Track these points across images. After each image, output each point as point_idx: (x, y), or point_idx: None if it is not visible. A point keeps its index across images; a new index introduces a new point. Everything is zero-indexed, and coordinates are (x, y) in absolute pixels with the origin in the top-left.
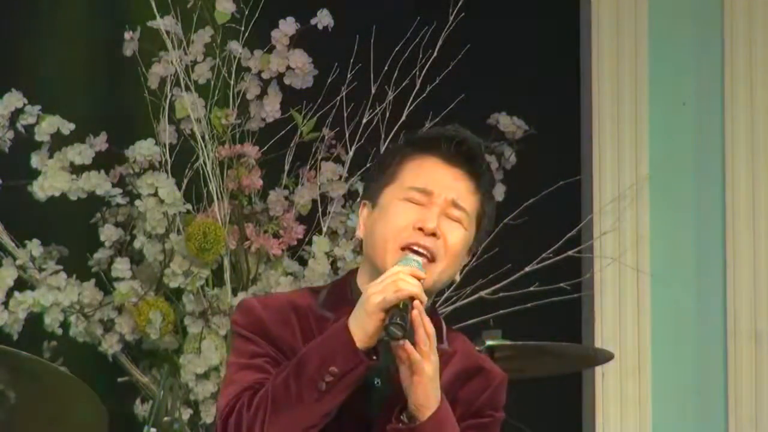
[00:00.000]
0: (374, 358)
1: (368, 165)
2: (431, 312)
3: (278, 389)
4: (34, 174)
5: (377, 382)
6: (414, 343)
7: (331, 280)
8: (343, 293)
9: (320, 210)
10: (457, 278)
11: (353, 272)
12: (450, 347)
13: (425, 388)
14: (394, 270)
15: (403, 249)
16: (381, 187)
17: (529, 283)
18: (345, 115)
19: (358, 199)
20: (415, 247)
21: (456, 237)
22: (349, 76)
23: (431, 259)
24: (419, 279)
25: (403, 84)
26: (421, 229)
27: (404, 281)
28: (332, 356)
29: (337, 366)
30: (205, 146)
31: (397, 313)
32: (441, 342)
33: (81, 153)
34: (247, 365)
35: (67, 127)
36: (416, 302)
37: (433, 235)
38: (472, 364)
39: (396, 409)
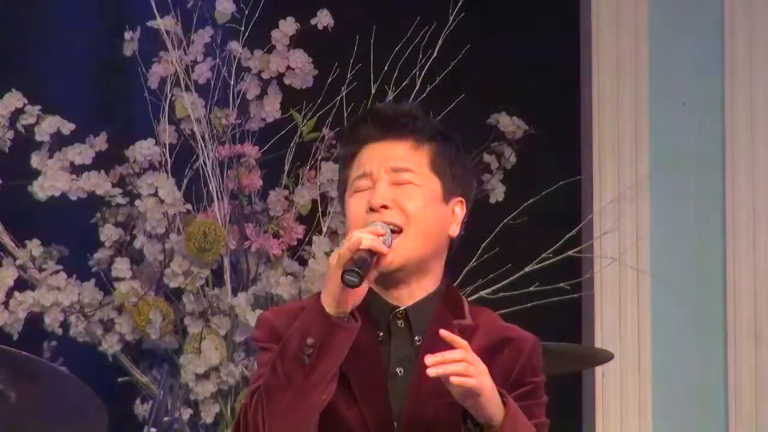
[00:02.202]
0: (356, 321)
1: None
2: (446, 290)
3: (269, 377)
4: (34, 174)
5: (400, 371)
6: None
7: None
8: None
9: (320, 210)
10: (454, 234)
11: None
12: (473, 322)
13: (490, 400)
14: (354, 232)
15: None
16: (342, 196)
17: (529, 283)
18: (345, 115)
19: None
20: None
21: (412, 197)
22: (349, 76)
23: (398, 231)
24: (379, 235)
25: (403, 84)
26: (371, 209)
27: (359, 237)
28: (308, 328)
29: (313, 336)
30: (205, 146)
31: (352, 262)
32: (463, 317)
33: (81, 153)
34: (262, 375)
35: (67, 127)
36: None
37: (384, 207)
38: (497, 336)
39: (459, 417)
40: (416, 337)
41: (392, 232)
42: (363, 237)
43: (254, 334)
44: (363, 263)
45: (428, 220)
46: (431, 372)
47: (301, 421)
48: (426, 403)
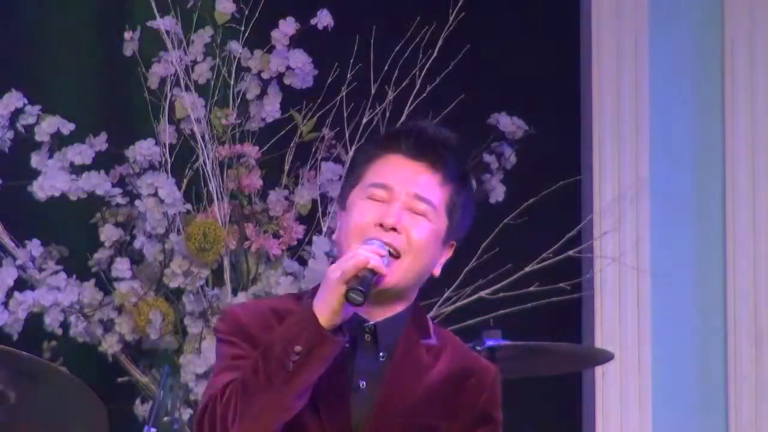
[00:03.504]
0: (343, 335)
1: None
2: (414, 310)
3: (247, 376)
4: (34, 174)
5: (362, 385)
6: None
7: None
8: None
9: (320, 210)
10: (437, 273)
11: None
12: (438, 343)
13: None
14: (356, 248)
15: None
16: (348, 188)
17: (529, 283)
18: (345, 115)
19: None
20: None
21: (420, 231)
22: (349, 76)
23: (396, 255)
24: (380, 256)
25: (403, 84)
26: (381, 225)
27: (362, 255)
28: (297, 335)
29: (302, 344)
30: (205, 146)
31: (356, 281)
32: (429, 337)
33: (81, 153)
34: (227, 367)
35: (67, 127)
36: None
37: (394, 230)
38: (462, 363)
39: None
40: (381, 353)
41: (390, 255)
42: (370, 256)
43: (218, 325)
44: (367, 282)
45: (425, 256)
46: None
47: (271, 425)
48: (391, 420)
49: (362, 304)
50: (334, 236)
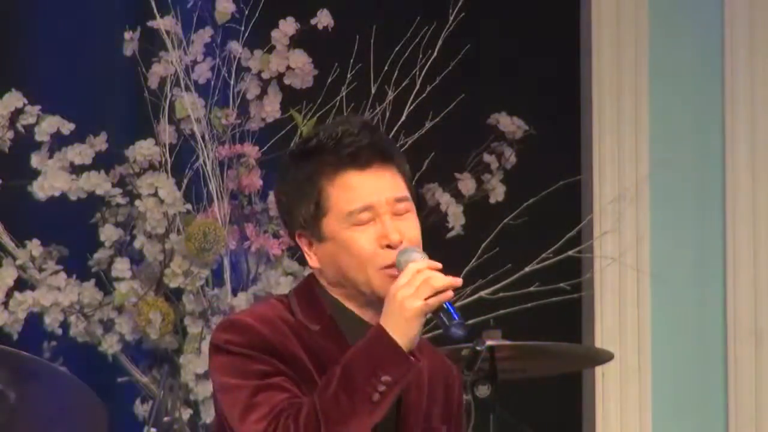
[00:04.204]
0: (418, 361)
1: None
2: None
3: (328, 405)
4: (34, 174)
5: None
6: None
7: None
8: (316, 304)
9: None
10: None
11: (311, 282)
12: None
13: None
14: (414, 268)
15: (383, 268)
16: (314, 219)
17: (529, 283)
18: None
19: (287, 229)
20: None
21: (413, 228)
22: (349, 76)
23: None
24: (439, 270)
25: (403, 84)
26: (389, 246)
27: (435, 279)
28: (382, 365)
29: (390, 375)
30: (205, 146)
31: (451, 314)
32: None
33: (81, 153)
34: (266, 386)
35: (67, 127)
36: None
37: (400, 242)
38: (437, 360)
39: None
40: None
41: None
42: (445, 282)
43: (226, 338)
44: (456, 311)
45: (420, 243)
46: None
47: None
48: (415, 426)
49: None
50: (313, 263)
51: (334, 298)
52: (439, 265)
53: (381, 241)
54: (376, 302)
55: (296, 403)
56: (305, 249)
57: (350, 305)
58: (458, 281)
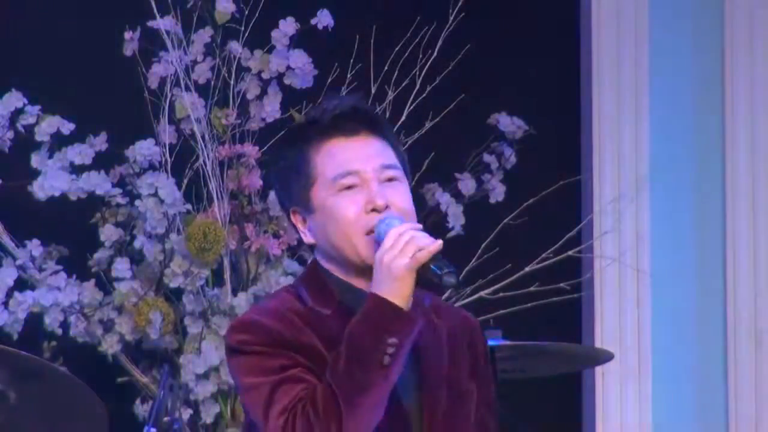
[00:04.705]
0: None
1: None
2: None
3: (343, 381)
4: (34, 174)
5: None
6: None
7: None
8: (324, 288)
9: None
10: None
11: (315, 267)
12: (430, 300)
13: None
14: (396, 232)
15: (368, 234)
16: (304, 191)
17: (529, 283)
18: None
19: (283, 209)
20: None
21: (402, 195)
22: (349, 76)
23: None
24: (419, 230)
25: (403, 84)
26: (374, 209)
27: (419, 237)
28: (385, 328)
29: (395, 336)
30: (205, 146)
31: (441, 263)
32: (423, 298)
33: (81, 153)
34: (284, 379)
35: (67, 127)
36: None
37: (387, 207)
38: (457, 317)
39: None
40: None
41: None
42: (429, 240)
43: (240, 338)
44: (447, 261)
45: (413, 215)
46: None
47: (374, 423)
48: (440, 393)
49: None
50: (308, 240)
51: (337, 277)
52: (420, 226)
53: (366, 206)
54: (368, 270)
55: (312, 389)
56: (300, 227)
57: (349, 279)
58: (439, 243)
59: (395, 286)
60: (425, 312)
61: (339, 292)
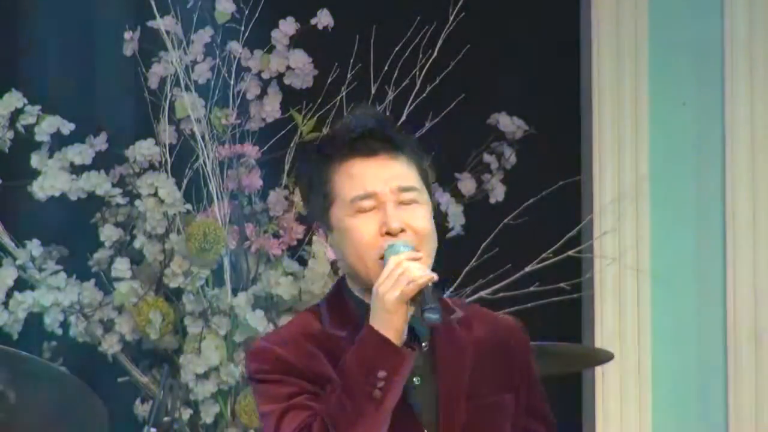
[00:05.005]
0: (413, 349)
1: None
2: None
3: (334, 413)
4: (34, 174)
5: (417, 381)
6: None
7: (330, 280)
8: (344, 309)
9: None
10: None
11: (340, 285)
12: (463, 312)
13: None
14: (391, 263)
15: (381, 258)
16: (323, 210)
17: (529, 283)
18: (345, 115)
19: (308, 220)
20: None
21: (420, 218)
22: (349, 76)
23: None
24: (417, 260)
25: (403, 84)
26: (388, 233)
27: (412, 270)
28: (375, 362)
29: (385, 369)
30: (205, 146)
31: (425, 298)
32: (454, 311)
33: (81, 153)
34: (291, 407)
35: (67, 127)
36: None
37: (402, 231)
38: (494, 326)
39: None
40: (423, 344)
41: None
42: (421, 272)
43: (256, 366)
44: (434, 296)
45: (433, 237)
46: None
47: None
48: (458, 407)
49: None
50: (331, 255)
51: (357, 297)
52: (419, 255)
53: (381, 229)
54: None
55: (313, 417)
56: (324, 241)
57: (366, 299)
58: (429, 276)
59: (386, 318)
60: (448, 326)
61: (357, 312)
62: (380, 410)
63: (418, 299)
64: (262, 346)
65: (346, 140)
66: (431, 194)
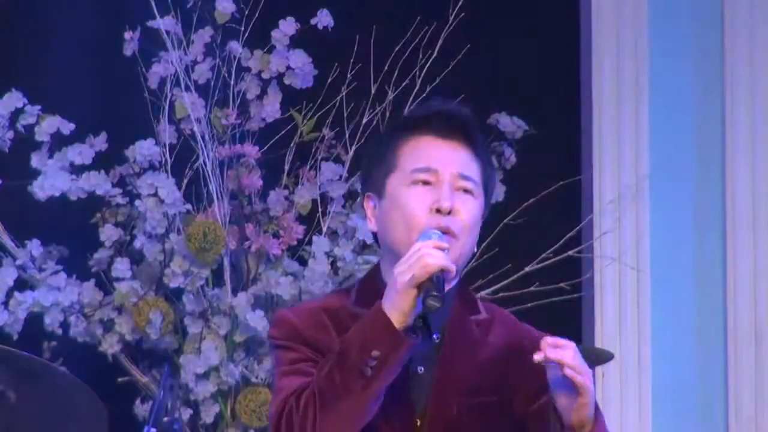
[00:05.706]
0: (415, 336)
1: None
2: (462, 287)
3: (323, 383)
4: (34, 174)
5: (420, 369)
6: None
7: (330, 280)
8: (372, 288)
9: (320, 210)
10: (475, 249)
11: (377, 266)
12: (487, 314)
13: (587, 405)
14: (416, 246)
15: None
16: (382, 176)
17: (529, 283)
18: (345, 115)
19: (361, 192)
20: (437, 229)
21: (470, 209)
22: (349, 76)
23: (453, 237)
24: (443, 249)
25: (403, 84)
26: (438, 210)
27: (429, 255)
28: (372, 340)
29: (379, 349)
30: (205, 146)
31: (431, 285)
32: (478, 312)
33: (81, 153)
34: (290, 371)
35: (67, 127)
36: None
37: (450, 213)
38: (518, 334)
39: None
40: (435, 335)
41: (444, 233)
42: (436, 259)
43: (272, 332)
44: (441, 284)
45: (475, 234)
46: (550, 354)
47: (357, 427)
48: (450, 401)
49: (440, 309)
50: (371, 226)
51: (386, 281)
52: (446, 246)
53: (432, 206)
54: None
55: (308, 385)
56: (368, 213)
57: None
58: (442, 264)
59: (395, 299)
60: (465, 323)
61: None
62: (368, 390)
63: (422, 285)
64: (281, 314)
65: (424, 114)
66: (487, 205)
